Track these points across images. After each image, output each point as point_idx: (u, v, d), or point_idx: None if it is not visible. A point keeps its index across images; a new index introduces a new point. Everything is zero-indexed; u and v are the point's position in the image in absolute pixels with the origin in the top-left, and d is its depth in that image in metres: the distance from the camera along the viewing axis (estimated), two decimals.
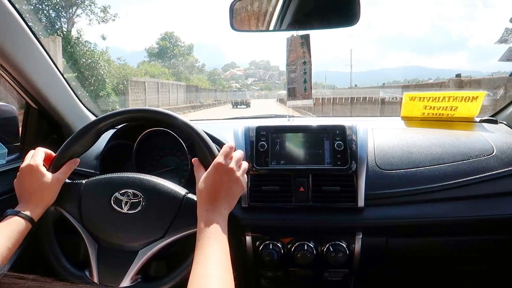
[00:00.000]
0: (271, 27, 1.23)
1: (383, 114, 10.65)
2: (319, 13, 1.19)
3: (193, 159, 0.96)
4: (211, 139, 1.01)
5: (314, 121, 1.39)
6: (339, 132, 1.25)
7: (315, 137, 1.26)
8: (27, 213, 0.88)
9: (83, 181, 0.99)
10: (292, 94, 1.34)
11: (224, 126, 1.50)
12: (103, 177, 1.00)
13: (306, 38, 1.29)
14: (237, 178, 0.89)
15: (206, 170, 0.91)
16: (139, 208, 0.94)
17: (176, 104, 25.50)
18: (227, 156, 0.90)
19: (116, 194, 0.95)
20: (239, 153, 0.93)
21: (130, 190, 0.96)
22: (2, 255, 0.79)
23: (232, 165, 0.89)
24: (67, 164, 0.98)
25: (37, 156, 0.96)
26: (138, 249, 0.91)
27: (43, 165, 0.96)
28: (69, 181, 1.00)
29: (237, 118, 1.81)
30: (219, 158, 0.88)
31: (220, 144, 1.29)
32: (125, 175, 0.99)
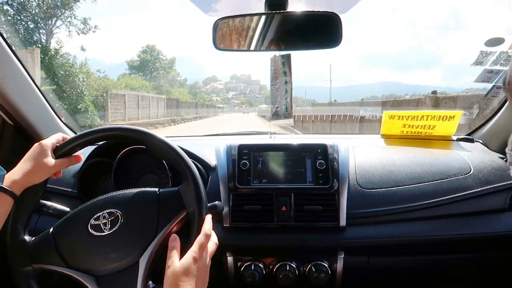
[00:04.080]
0: (253, 47, 1.24)
1: (362, 131, 10.84)
2: (301, 34, 1.21)
3: (172, 235, 0.90)
4: (191, 157, 0.99)
5: (296, 139, 1.39)
6: (320, 151, 1.25)
7: (297, 155, 1.26)
8: (11, 188, 0.89)
9: (50, 230, 0.95)
10: (275, 114, 1.35)
11: (205, 143, 1.49)
12: (69, 215, 0.97)
13: (287, 58, 1.31)
14: (207, 271, 0.87)
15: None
16: (120, 223, 0.91)
17: (156, 117, 25.27)
18: (203, 248, 0.86)
19: (91, 221, 0.92)
20: (212, 244, 0.90)
21: (103, 212, 0.93)
22: None
23: (206, 258, 0.87)
24: (69, 157, 0.99)
25: (52, 138, 0.99)
26: (137, 259, 0.88)
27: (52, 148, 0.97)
28: (33, 238, 0.95)
29: (217, 134, 1.80)
30: (196, 252, 0.84)
31: (201, 162, 1.27)
32: (91, 202, 0.97)
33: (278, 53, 1.29)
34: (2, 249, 0.93)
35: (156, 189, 0.97)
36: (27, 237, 0.94)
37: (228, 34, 1.20)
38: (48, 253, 0.91)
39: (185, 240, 0.89)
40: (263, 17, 1.15)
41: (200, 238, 0.87)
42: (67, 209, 1.05)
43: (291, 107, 1.35)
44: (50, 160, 0.94)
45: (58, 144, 0.98)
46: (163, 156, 0.98)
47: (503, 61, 1.34)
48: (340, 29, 1.10)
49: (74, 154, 1.01)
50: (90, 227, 0.92)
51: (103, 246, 0.90)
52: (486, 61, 1.37)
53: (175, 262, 0.83)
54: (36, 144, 0.95)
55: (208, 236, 0.89)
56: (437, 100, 7.68)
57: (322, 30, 1.16)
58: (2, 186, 0.88)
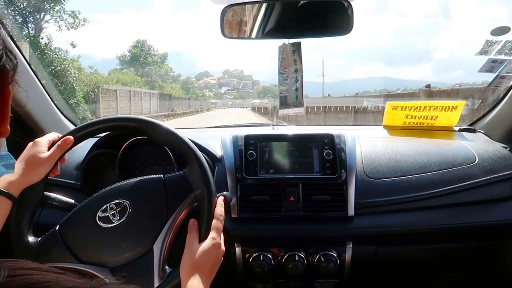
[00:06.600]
0: (262, 35, 1.22)
1: (356, 123, 10.87)
2: (311, 21, 1.19)
3: (190, 220, 0.92)
4: (198, 148, 0.98)
5: (300, 129, 1.38)
6: (327, 141, 1.25)
7: (304, 145, 1.25)
8: (8, 189, 0.86)
9: (56, 227, 0.93)
10: (284, 102, 1.33)
11: (210, 134, 1.48)
12: (74, 210, 0.95)
13: (298, 46, 1.29)
14: (222, 256, 0.90)
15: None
16: (128, 212, 0.90)
17: (149, 113, 25.08)
18: (220, 232, 0.90)
19: (98, 214, 0.91)
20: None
21: (110, 203, 0.92)
22: None
23: (222, 242, 0.90)
24: (57, 145, 0.93)
25: (48, 136, 0.96)
26: (151, 246, 0.87)
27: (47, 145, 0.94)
28: (39, 238, 0.93)
29: (220, 126, 1.79)
30: (217, 238, 0.87)
31: (206, 153, 1.26)
32: (96, 195, 0.96)
33: (287, 41, 1.27)
34: (7, 251, 0.90)
35: (162, 175, 0.96)
36: (31, 238, 0.92)
37: (235, 21, 1.17)
38: (57, 251, 0.90)
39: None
40: (272, 4, 1.13)
41: (216, 223, 0.89)
42: (72, 200, 1.03)
43: (302, 96, 1.33)
44: (45, 156, 0.91)
45: (53, 141, 0.95)
46: (163, 141, 0.98)
47: (508, 50, 1.34)
48: (351, 15, 1.09)
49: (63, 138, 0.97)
50: (98, 220, 0.90)
51: (113, 237, 0.89)
52: (491, 51, 1.36)
53: (194, 246, 0.85)
54: (31, 142, 0.93)
55: (222, 220, 0.91)
56: (431, 94, 7.72)
57: (332, 17, 1.14)
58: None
